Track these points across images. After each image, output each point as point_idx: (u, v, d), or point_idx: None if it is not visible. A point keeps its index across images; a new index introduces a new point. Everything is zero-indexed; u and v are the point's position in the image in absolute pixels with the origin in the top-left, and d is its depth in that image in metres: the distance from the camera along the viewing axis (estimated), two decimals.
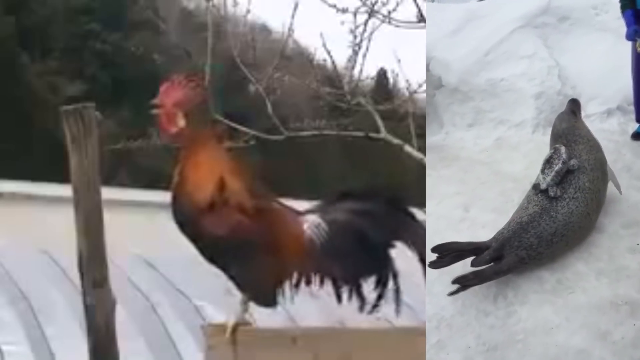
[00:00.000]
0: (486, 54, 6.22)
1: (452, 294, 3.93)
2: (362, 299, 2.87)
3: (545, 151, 4.57)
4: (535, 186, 4.36)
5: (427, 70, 6.13)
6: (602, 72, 6.06)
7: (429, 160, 5.39)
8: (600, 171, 4.47)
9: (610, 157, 4.82)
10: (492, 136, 5.84)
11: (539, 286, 4.10)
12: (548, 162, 4.38)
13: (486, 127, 5.93)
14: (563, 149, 4.39)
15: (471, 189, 5.10)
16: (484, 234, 4.27)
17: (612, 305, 3.95)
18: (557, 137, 4.63)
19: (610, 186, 4.62)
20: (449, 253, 4.01)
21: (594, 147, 4.58)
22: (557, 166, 4.31)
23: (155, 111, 2.82)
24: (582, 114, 5.11)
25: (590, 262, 4.24)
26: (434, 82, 6.10)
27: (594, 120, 5.67)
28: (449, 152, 5.70)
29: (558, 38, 6.35)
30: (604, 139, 5.00)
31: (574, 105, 4.84)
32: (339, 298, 2.86)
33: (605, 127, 5.70)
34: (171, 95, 2.82)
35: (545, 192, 4.27)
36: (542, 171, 4.36)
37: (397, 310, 2.87)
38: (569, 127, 4.65)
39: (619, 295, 4.00)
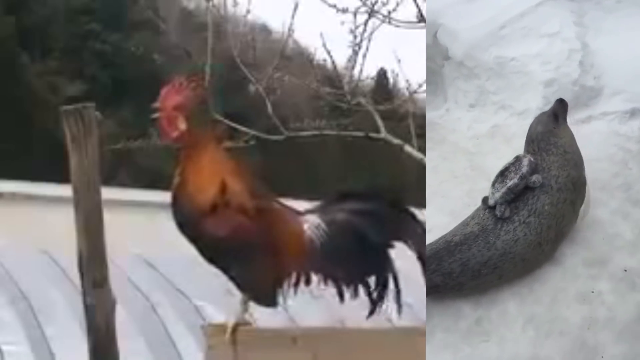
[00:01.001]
0: (501, 27, 5.30)
1: None
2: (368, 299, 2.88)
3: None
4: (484, 200, 3.69)
5: (435, 37, 5.78)
6: (637, 64, 5.07)
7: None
8: (571, 192, 3.73)
9: (613, 168, 4.19)
10: (489, 122, 5.11)
11: (453, 323, 3.48)
12: (502, 173, 3.70)
13: (487, 110, 5.18)
14: (526, 160, 3.70)
15: (438, 182, 4.41)
16: (427, 240, 3.48)
17: None
18: (529, 142, 3.92)
19: (593, 210, 3.91)
20: None
21: (571, 163, 3.80)
22: (512, 181, 3.62)
23: (156, 115, 2.83)
24: (600, 110, 4.56)
25: (526, 304, 3.53)
26: (442, 52, 5.45)
27: (611, 120, 4.85)
28: (439, 132, 5.08)
29: (597, 16, 5.35)
30: (615, 145, 4.41)
31: (559, 108, 4.02)
32: (340, 298, 2.87)
33: (622, 131, 4.78)
34: (171, 99, 2.82)
35: (492, 209, 3.61)
36: (493, 184, 3.68)
37: (399, 311, 2.88)
38: (544, 132, 3.89)
39: (539, 358, 3.33)
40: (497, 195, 3.60)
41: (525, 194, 3.61)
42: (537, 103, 4.96)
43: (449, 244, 3.51)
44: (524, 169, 3.63)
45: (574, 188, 3.73)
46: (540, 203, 3.60)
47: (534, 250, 3.56)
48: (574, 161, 3.83)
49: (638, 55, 5.09)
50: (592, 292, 3.56)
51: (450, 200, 4.19)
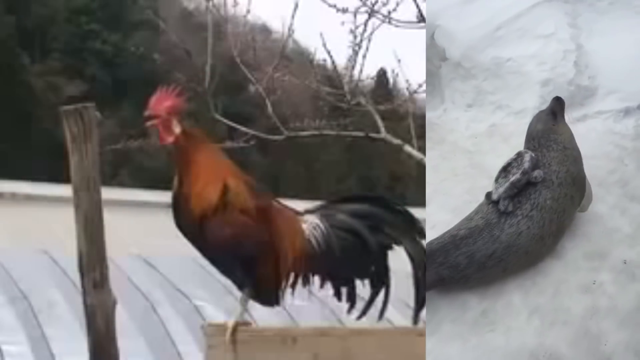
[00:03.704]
0: (497, 29, 5.39)
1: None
2: (355, 300, 2.88)
3: None
4: (488, 195, 3.72)
5: (432, 39, 5.78)
6: (630, 64, 5.12)
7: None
8: (571, 187, 3.77)
9: (610, 165, 4.30)
10: (487, 121, 5.18)
11: (460, 314, 3.50)
12: (505, 169, 3.74)
13: (484, 110, 5.27)
14: (527, 156, 3.73)
15: (440, 180, 4.48)
16: (430, 236, 3.56)
17: (531, 358, 3.30)
18: (530, 140, 3.96)
19: (591, 205, 3.98)
20: None
21: (570, 158, 3.84)
22: (515, 176, 3.64)
23: (150, 123, 2.83)
24: (595, 109, 4.62)
25: (530, 296, 3.55)
26: (439, 53, 5.53)
27: (606, 119, 4.93)
28: (438, 132, 5.11)
29: (590, 18, 5.39)
30: (610, 143, 4.51)
31: (557, 106, 4.06)
32: (338, 298, 2.87)
33: (617, 129, 4.87)
34: (163, 103, 2.83)
35: (496, 204, 3.63)
36: (496, 179, 3.72)
37: (380, 317, 2.87)
38: (544, 129, 3.93)
39: (544, 346, 3.33)
40: (501, 190, 3.63)
41: (528, 189, 3.64)
42: (534, 102, 5.03)
43: (455, 238, 3.54)
44: (526, 165, 3.66)
45: (574, 183, 3.78)
46: (543, 197, 3.63)
47: (537, 243, 3.60)
48: (573, 157, 3.87)
49: (631, 56, 5.13)
50: (594, 283, 3.60)
51: (452, 198, 4.23)
